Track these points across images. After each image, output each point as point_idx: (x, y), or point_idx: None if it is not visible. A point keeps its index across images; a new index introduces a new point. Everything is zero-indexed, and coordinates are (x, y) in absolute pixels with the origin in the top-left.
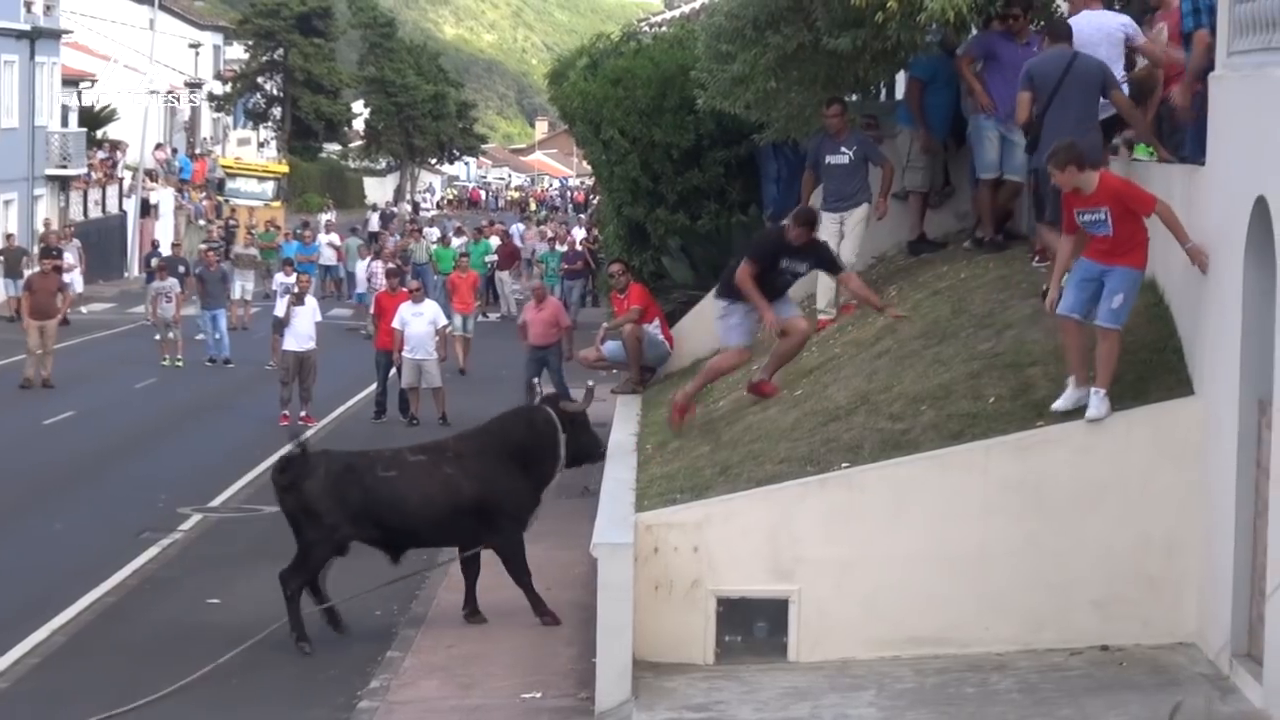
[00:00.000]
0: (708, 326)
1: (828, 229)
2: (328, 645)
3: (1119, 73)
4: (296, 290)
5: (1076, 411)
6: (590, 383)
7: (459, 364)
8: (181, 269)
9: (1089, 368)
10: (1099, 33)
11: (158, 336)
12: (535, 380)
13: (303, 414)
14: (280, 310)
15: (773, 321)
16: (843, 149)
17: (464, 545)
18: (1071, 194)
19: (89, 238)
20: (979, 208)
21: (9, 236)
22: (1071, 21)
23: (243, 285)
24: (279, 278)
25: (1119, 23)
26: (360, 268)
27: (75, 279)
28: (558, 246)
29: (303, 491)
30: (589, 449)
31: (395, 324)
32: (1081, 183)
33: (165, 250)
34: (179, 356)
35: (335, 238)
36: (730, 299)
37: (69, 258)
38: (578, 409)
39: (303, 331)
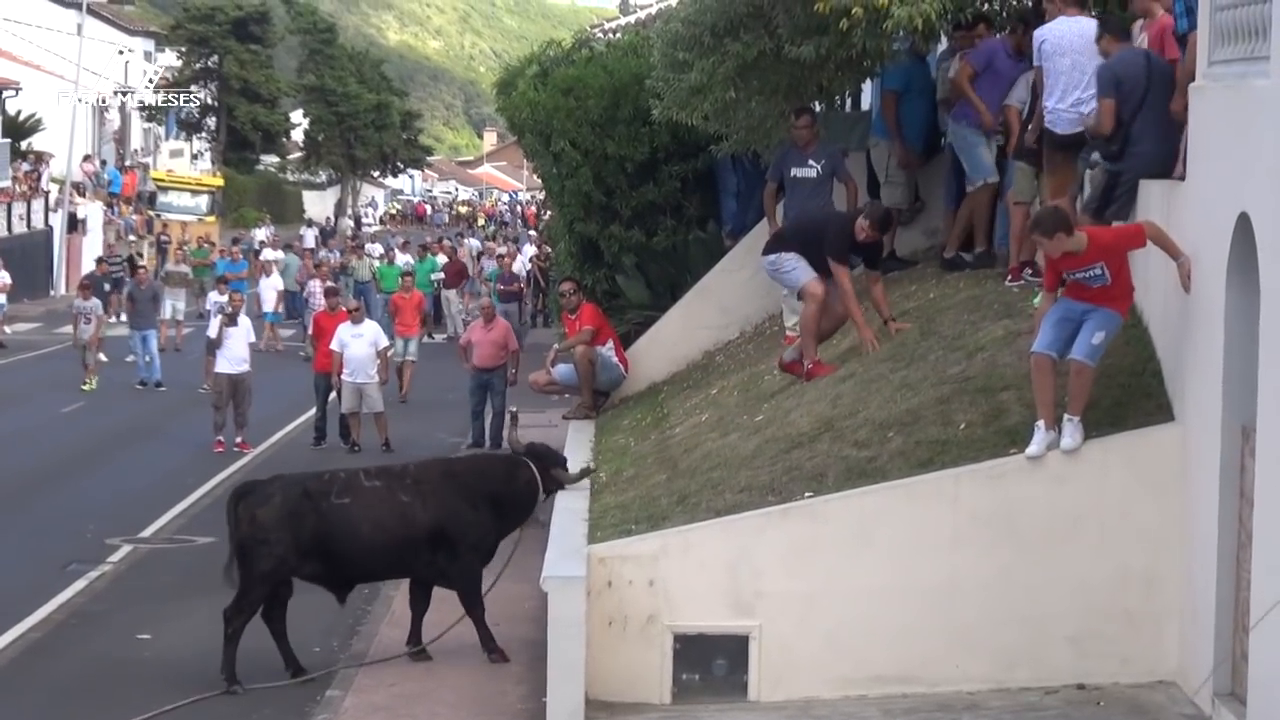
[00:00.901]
0: (665, 349)
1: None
2: (264, 685)
3: (1092, 86)
4: (230, 309)
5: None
6: (590, 464)
7: (400, 391)
8: (108, 287)
9: (1060, 409)
10: (1080, 40)
11: (83, 359)
12: (514, 410)
13: (238, 440)
14: (213, 331)
15: (873, 342)
16: (810, 162)
17: (421, 577)
18: (1060, 258)
19: (12, 254)
20: (973, 218)
21: None
22: (1051, 28)
23: (173, 304)
24: (212, 296)
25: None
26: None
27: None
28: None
29: (257, 520)
30: (556, 474)
31: (334, 345)
32: (1072, 246)
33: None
34: (90, 379)
35: (280, 254)
36: (777, 250)
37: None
38: (569, 481)
39: (236, 353)
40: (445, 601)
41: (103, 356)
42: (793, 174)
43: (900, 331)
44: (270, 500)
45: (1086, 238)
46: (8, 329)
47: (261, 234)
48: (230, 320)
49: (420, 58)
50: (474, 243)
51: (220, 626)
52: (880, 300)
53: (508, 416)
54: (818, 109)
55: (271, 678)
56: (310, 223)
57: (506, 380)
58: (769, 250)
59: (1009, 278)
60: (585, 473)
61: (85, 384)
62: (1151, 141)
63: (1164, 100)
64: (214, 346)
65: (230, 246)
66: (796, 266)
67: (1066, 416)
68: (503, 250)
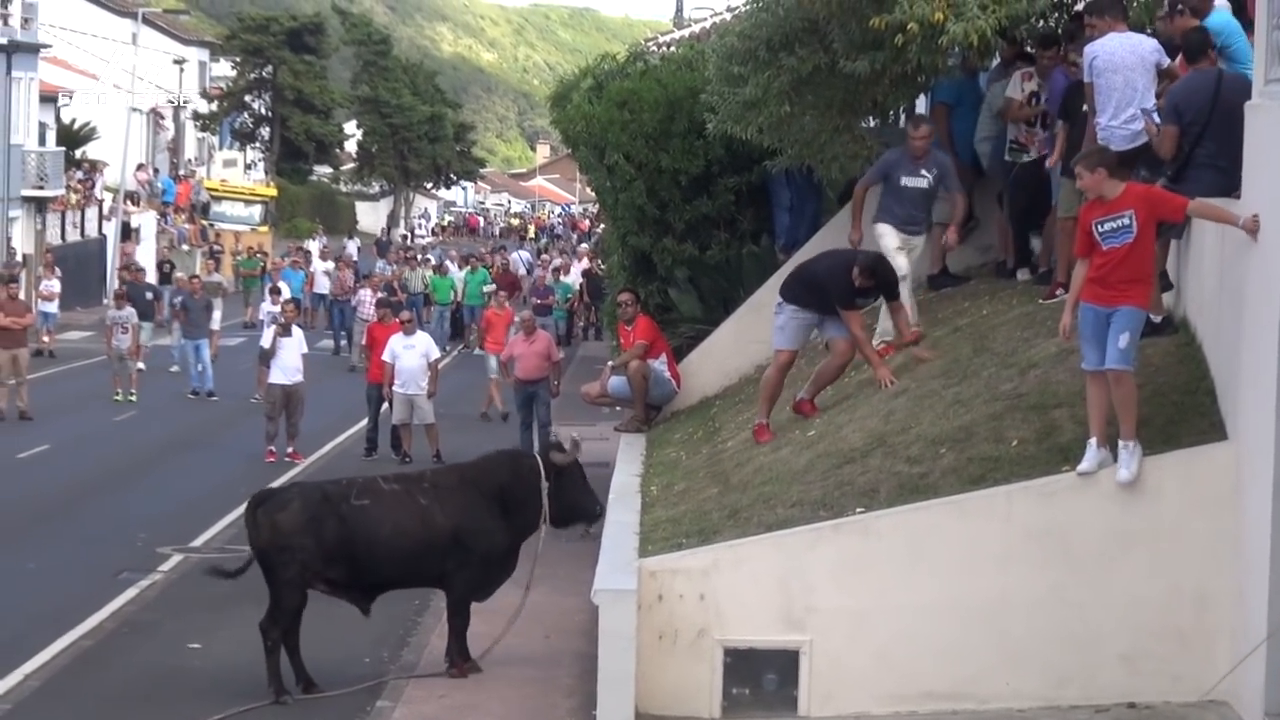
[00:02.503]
0: (717, 363)
1: (890, 242)
2: (315, 695)
3: (1149, 102)
4: (283, 320)
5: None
6: (576, 435)
7: (498, 408)
8: (150, 295)
9: (1112, 426)
10: (1132, 56)
11: (113, 369)
12: (576, 438)
13: (290, 450)
14: (266, 341)
15: (889, 379)
16: (923, 171)
17: (433, 584)
18: (1092, 205)
19: (66, 262)
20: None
21: None
22: (1103, 44)
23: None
24: (265, 306)
25: (1151, 46)
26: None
27: (54, 307)
28: (563, 278)
29: (276, 526)
30: (582, 507)
31: (385, 356)
32: (1107, 189)
33: (151, 276)
34: (132, 391)
35: (330, 265)
36: (784, 298)
37: (53, 286)
38: (565, 460)
39: (289, 364)
40: (496, 613)
41: (141, 365)
42: (902, 182)
43: (921, 360)
44: (289, 506)
45: (1124, 187)
46: (58, 337)
47: (314, 245)
48: (284, 330)
49: (474, 70)
50: (524, 254)
51: None
52: (902, 327)
53: (571, 442)
54: (871, 124)
55: (320, 688)
56: (353, 234)
57: (550, 391)
58: (780, 292)
59: (1053, 294)
60: (574, 444)
61: (117, 395)
62: (1212, 168)
63: (1231, 123)
64: (267, 357)
65: (295, 256)
66: (785, 327)
67: (1121, 443)
68: (557, 263)
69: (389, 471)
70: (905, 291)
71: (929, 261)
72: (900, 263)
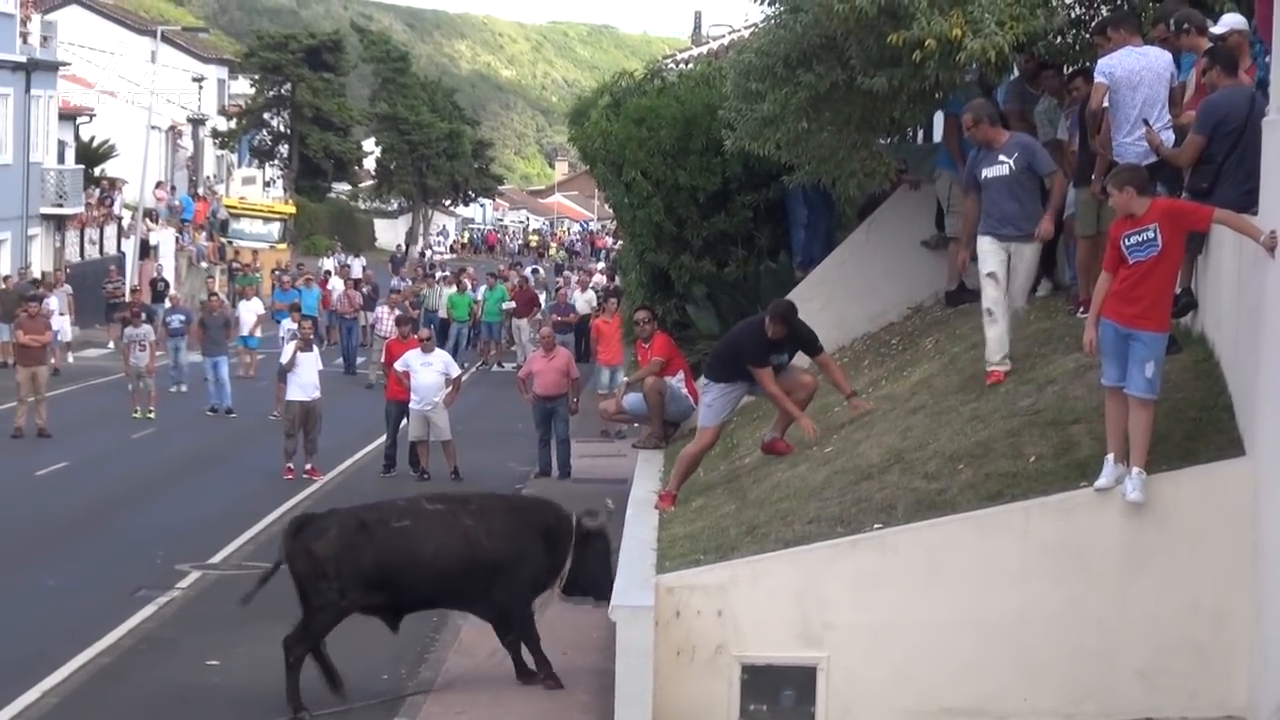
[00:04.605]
0: None
1: (990, 259)
2: (330, 710)
3: (1165, 116)
4: (301, 337)
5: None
6: (610, 502)
7: (615, 425)
8: (143, 314)
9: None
10: (1149, 71)
11: (130, 387)
12: (610, 504)
13: (308, 467)
14: (285, 357)
15: (812, 429)
16: (1001, 157)
17: (474, 607)
18: (1121, 221)
19: (85, 279)
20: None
21: (5, 278)
22: (1120, 60)
23: None
24: (285, 324)
25: (1167, 61)
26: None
27: (64, 325)
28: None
29: (313, 554)
30: (596, 582)
31: (398, 366)
32: (1136, 207)
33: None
34: (150, 408)
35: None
36: (709, 378)
37: (51, 304)
38: (595, 525)
39: (308, 380)
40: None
41: (144, 386)
42: (984, 175)
43: (860, 410)
44: (326, 534)
45: (1150, 202)
46: (71, 357)
47: (329, 263)
48: (304, 346)
49: (493, 87)
50: (537, 269)
51: None
52: (840, 381)
53: (604, 508)
54: (889, 141)
55: (337, 704)
56: (357, 253)
57: (569, 408)
58: (704, 373)
59: (1079, 310)
60: (608, 513)
61: (135, 412)
62: (1238, 180)
63: (1258, 140)
64: (285, 373)
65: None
66: (711, 405)
67: (1131, 471)
68: (576, 280)
69: (431, 492)
70: (1000, 320)
71: (946, 278)
72: (990, 294)
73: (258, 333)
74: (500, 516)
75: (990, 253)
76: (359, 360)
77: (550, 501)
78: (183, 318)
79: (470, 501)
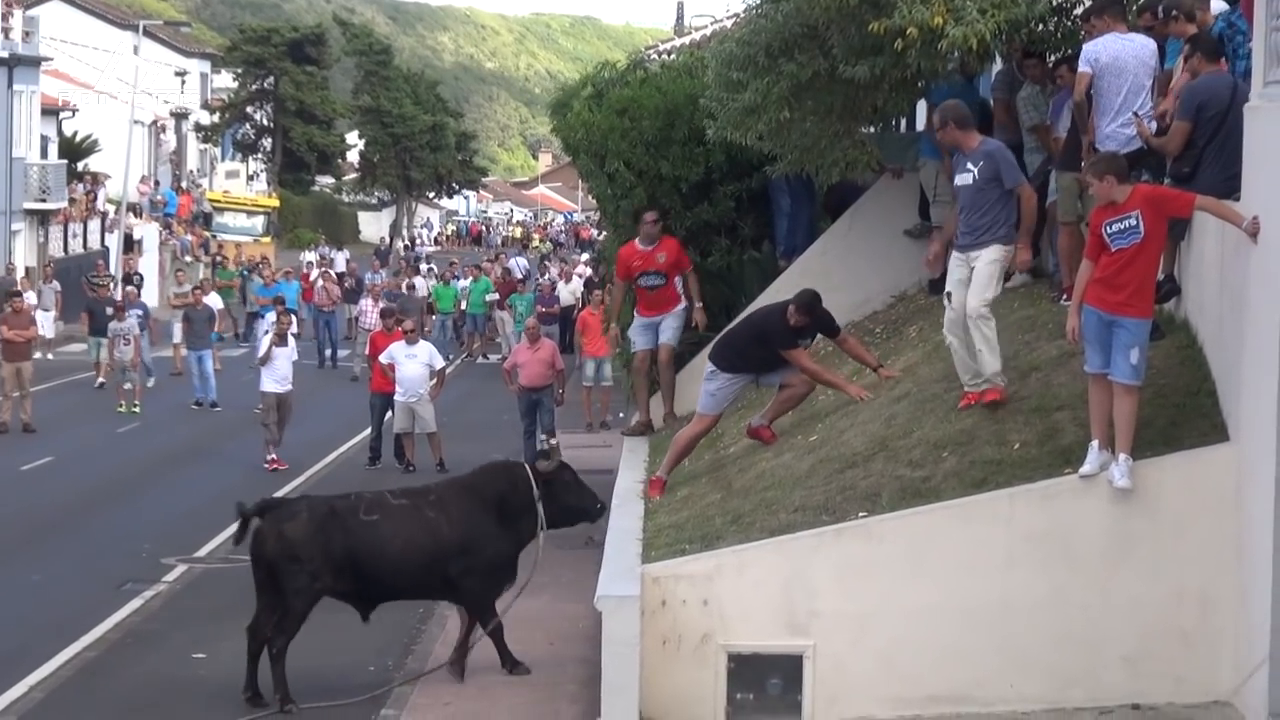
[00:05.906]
0: None
1: (951, 276)
2: (316, 704)
3: (1148, 104)
4: (278, 329)
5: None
6: (554, 440)
7: (599, 416)
8: (110, 310)
9: (1114, 429)
10: (1134, 59)
11: (113, 382)
12: (553, 442)
13: (270, 457)
14: (262, 349)
15: (863, 394)
16: (968, 164)
17: (440, 595)
18: (1102, 209)
19: (68, 274)
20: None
21: None
22: (1105, 45)
23: (178, 326)
24: (270, 317)
25: (1151, 49)
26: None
27: (46, 321)
28: (563, 285)
29: (285, 536)
30: (579, 508)
31: (382, 358)
32: (1117, 195)
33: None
34: (136, 403)
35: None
36: (719, 366)
37: (31, 299)
38: (549, 468)
39: (281, 372)
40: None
41: (128, 383)
42: (955, 183)
43: (889, 377)
44: (298, 516)
45: (1131, 189)
46: (50, 355)
47: (310, 256)
48: (280, 340)
49: (476, 79)
50: (521, 261)
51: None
52: (863, 355)
53: (550, 447)
54: (871, 130)
55: (325, 696)
56: (339, 247)
57: (554, 399)
58: (711, 359)
59: (1062, 297)
60: (554, 450)
61: (120, 407)
62: (1220, 166)
63: (1240, 127)
64: (262, 365)
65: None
66: (715, 394)
67: (1117, 457)
68: (556, 271)
69: (395, 487)
70: (958, 348)
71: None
72: (947, 315)
73: (221, 329)
74: (456, 501)
75: (952, 269)
76: (343, 354)
77: (503, 462)
78: (140, 312)
79: (430, 492)
